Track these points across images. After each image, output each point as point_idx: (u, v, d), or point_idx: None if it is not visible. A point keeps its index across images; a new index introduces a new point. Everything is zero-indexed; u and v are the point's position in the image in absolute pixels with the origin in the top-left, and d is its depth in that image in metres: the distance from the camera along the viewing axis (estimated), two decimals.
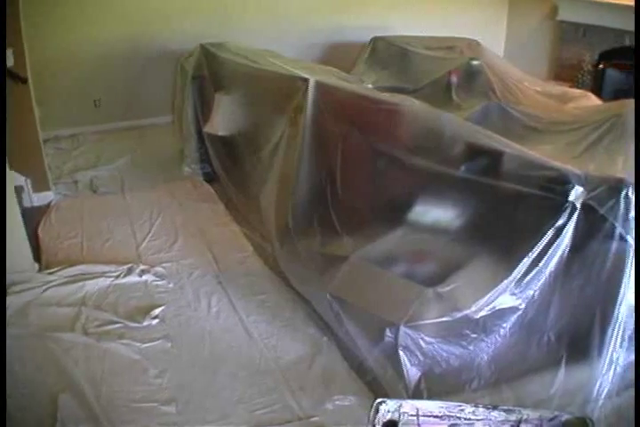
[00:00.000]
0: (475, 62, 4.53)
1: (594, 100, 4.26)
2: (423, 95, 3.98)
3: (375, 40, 5.53)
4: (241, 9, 6.04)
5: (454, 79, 4.45)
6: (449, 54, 4.83)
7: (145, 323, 3.08)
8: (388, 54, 5.31)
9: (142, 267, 3.55)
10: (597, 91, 6.09)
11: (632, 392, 2.70)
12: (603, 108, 3.63)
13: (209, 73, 4.44)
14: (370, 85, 4.49)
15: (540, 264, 2.39)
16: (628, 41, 6.28)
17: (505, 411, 2.17)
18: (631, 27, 6.13)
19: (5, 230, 3.07)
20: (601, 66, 6.51)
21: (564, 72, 6.93)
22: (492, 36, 7.14)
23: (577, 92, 4.60)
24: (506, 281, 2.39)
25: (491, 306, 2.42)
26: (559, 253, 2.40)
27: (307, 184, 3.27)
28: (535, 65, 7.16)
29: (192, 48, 4.69)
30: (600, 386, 2.56)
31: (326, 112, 3.20)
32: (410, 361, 2.47)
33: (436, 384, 2.53)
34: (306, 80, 3.27)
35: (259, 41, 5.23)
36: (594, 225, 2.42)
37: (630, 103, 3.27)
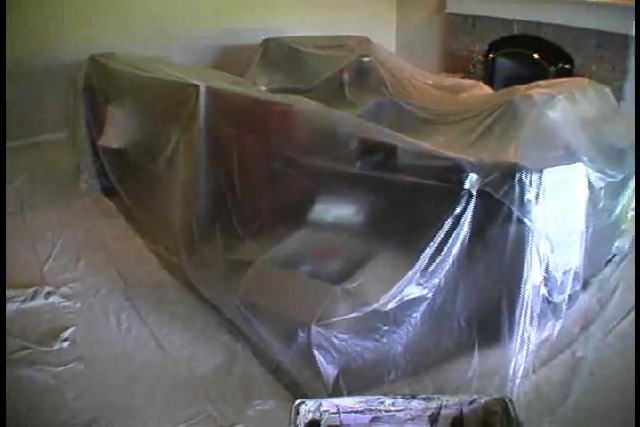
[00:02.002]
0: (365, 59, 4.58)
1: (485, 90, 4.35)
2: (316, 95, 4.00)
3: (267, 42, 5.51)
4: (130, 18, 5.93)
5: (346, 77, 4.48)
6: (340, 52, 4.86)
7: (56, 346, 2.99)
8: (280, 55, 5.30)
9: (48, 289, 3.43)
10: (489, 80, 6.27)
11: (548, 369, 2.81)
12: (494, 96, 3.71)
13: (99, 85, 4.34)
14: (263, 88, 4.50)
15: (443, 253, 2.44)
16: (517, 30, 6.47)
17: (424, 399, 2.20)
18: (519, 15, 6.37)
19: (5, 231, 2.94)
20: (491, 55, 6.70)
21: (455, 63, 7.07)
22: (382, 31, 7.24)
23: (469, 82, 4.69)
24: (410, 272, 2.43)
25: (398, 298, 2.45)
26: (460, 240, 2.46)
27: (207, 191, 3.24)
28: (427, 58, 7.30)
29: (82, 60, 4.57)
30: (515, 365, 2.62)
31: (220, 117, 3.18)
32: (325, 359, 2.48)
33: (355, 380, 2.55)
34: (196, 86, 3.24)
35: (150, 49, 5.16)
36: (491, 210, 2.49)
37: (520, 89, 3.36)
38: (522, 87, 3.39)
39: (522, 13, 6.31)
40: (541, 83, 3.53)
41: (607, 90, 3.71)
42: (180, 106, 3.35)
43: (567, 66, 6.05)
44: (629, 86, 5.79)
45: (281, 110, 3.03)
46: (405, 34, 7.67)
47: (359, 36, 5.13)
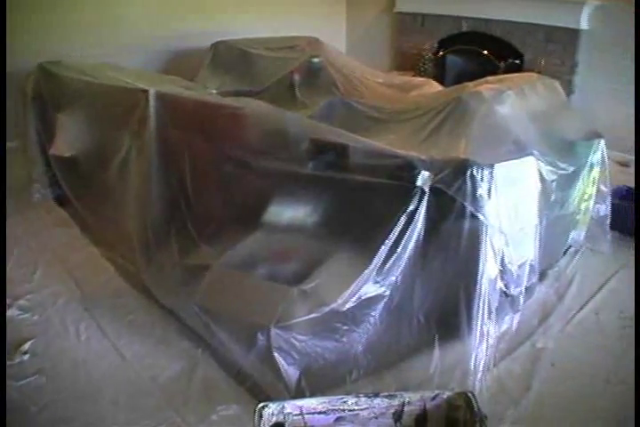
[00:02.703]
0: (315, 60, 4.58)
1: (436, 87, 4.37)
2: (268, 96, 4.01)
3: (217, 44, 5.47)
4: (78, 24, 5.85)
5: (297, 78, 4.48)
6: (290, 53, 4.85)
7: (17, 359, 2.93)
8: (231, 58, 5.27)
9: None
10: (440, 77, 6.33)
11: (509, 361, 2.85)
12: (444, 93, 3.73)
13: (49, 93, 4.27)
14: (214, 91, 4.47)
15: (398, 250, 2.45)
16: (466, 27, 6.55)
17: (387, 397, 2.23)
18: (467, 13, 6.44)
19: (5, 232, 2.88)
20: (441, 53, 6.76)
21: (406, 62, 7.13)
22: (332, 31, 7.28)
23: (419, 80, 4.72)
24: (367, 270, 2.43)
25: (356, 297, 2.45)
26: (414, 237, 2.47)
27: (161, 196, 3.21)
28: (377, 57, 7.35)
29: (31, 68, 4.50)
30: (476, 359, 2.66)
31: (171, 122, 3.16)
32: (286, 361, 2.47)
33: (317, 381, 2.55)
34: (145, 91, 3.22)
35: (99, 55, 5.09)
36: (444, 207, 2.51)
37: (469, 86, 3.38)
38: (471, 84, 3.41)
39: (470, 11, 6.41)
40: (490, 79, 3.56)
41: (556, 84, 3.76)
42: (129, 111, 3.31)
43: (517, 61, 6.15)
44: (579, 80, 5.89)
45: (231, 113, 3.02)
46: (355, 33, 7.71)
47: (309, 37, 5.13)
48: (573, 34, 5.76)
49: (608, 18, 5.59)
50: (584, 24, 5.69)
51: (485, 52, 6.32)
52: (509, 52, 6.19)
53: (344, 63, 4.55)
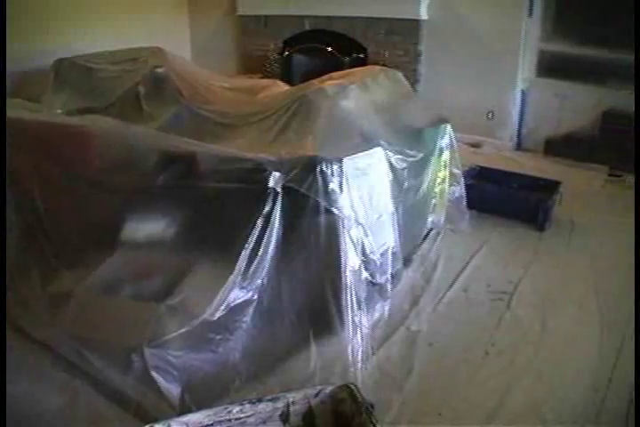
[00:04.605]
0: (159, 70, 4.50)
1: (282, 87, 4.37)
2: (115, 111, 3.92)
3: (58, 62, 5.26)
4: None
5: (142, 90, 4.38)
6: (134, 66, 4.73)
7: None
8: (74, 75, 5.05)
9: None
10: (287, 77, 6.41)
11: (387, 348, 2.90)
12: (290, 93, 3.74)
13: None
14: (59, 111, 4.33)
15: (260, 253, 2.47)
16: (308, 25, 6.64)
17: (271, 400, 2.23)
18: (309, 11, 6.51)
19: (5, 230, 2.77)
20: (286, 53, 6.83)
21: (253, 64, 7.17)
22: (177, 38, 7.22)
23: (265, 81, 4.71)
24: (231, 277, 2.43)
25: (224, 305, 2.45)
26: (274, 238, 2.49)
27: (15, 225, 3.08)
28: (224, 61, 7.36)
29: None
30: (353, 351, 2.69)
31: (15, 147, 3.03)
32: (165, 379, 2.44)
33: (201, 394, 2.51)
34: None
35: None
36: (299, 205, 2.54)
37: (314, 83, 3.41)
38: (316, 81, 3.44)
39: (312, 9, 6.51)
40: (335, 74, 3.60)
41: (399, 74, 3.86)
42: None
43: (361, 55, 6.29)
44: (423, 69, 6.11)
45: (77, 132, 2.94)
46: (200, 38, 7.68)
47: (152, 47, 5.00)
48: (414, 24, 5.95)
49: (446, 7, 5.81)
50: (424, 14, 5.89)
51: (330, 48, 6.43)
52: (353, 47, 6.33)
53: (188, 71, 4.48)
